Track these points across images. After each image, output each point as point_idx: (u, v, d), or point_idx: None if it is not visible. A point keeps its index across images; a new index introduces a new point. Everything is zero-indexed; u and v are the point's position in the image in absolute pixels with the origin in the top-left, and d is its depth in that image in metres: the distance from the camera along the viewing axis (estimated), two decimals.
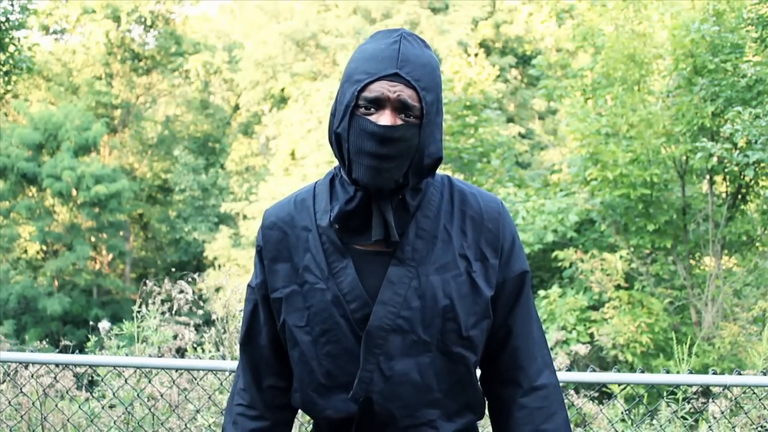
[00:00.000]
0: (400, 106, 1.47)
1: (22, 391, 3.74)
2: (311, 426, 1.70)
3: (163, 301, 4.40)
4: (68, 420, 3.81)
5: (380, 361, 1.52)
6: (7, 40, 10.64)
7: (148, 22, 24.78)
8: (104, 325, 4.19)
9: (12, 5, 10.79)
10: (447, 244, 1.56)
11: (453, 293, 1.54)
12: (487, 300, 1.57)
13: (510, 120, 21.77)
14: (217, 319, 4.32)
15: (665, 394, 3.38)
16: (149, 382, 3.69)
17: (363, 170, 1.49)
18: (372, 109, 1.48)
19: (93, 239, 21.58)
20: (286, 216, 1.63)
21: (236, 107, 27.15)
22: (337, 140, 1.53)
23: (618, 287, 9.55)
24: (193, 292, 4.53)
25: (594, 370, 2.85)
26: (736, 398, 3.51)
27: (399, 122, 1.47)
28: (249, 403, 1.68)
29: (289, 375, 1.66)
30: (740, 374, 2.94)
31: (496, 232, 1.59)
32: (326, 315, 1.54)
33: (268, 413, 1.68)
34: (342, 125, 1.50)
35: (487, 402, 1.68)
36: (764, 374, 3.05)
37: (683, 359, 4.19)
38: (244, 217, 22.33)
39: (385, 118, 1.46)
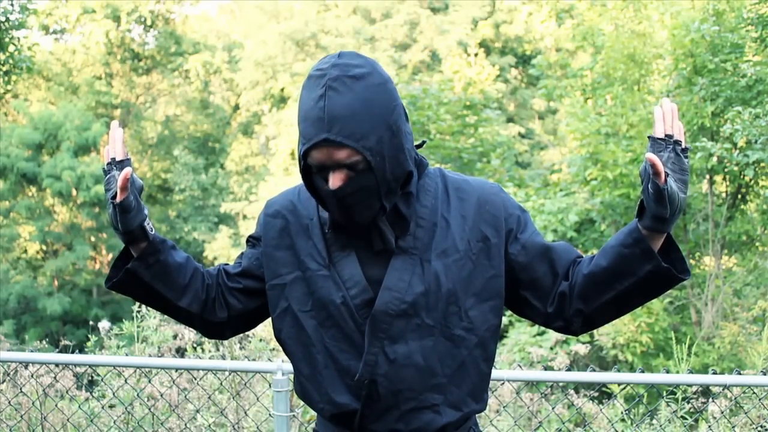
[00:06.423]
0: (341, 167, 1.48)
1: (22, 391, 3.74)
2: (311, 426, 1.70)
3: None
4: (68, 420, 3.81)
5: (384, 345, 1.57)
6: (7, 39, 10.65)
7: (148, 22, 24.78)
8: (104, 324, 4.18)
9: (12, 5, 10.79)
10: (446, 230, 1.61)
11: (455, 277, 1.59)
12: (487, 280, 1.61)
13: (510, 120, 21.75)
14: None
15: (665, 393, 3.38)
16: (149, 381, 3.68)
17: (336, 216, 1.56)
18: (321, 170, 1.52)
19: (93, 239, 21.57)
20: (289, 204, 1.70)
21: (236, 107, 27.14)
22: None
23: None
24: None
25: (594, 370, 2.85)
26: (736, 398, 3.51)
27: (347, 178, 1.49)
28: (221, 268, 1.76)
29: (227, 304, 1.73)
30: (740, 374, 2.93)
31: (495, 212, 1.64)
32: (328, 300, 1.59)
33: (213, 281, 1.73)
34: (302, 175, 1.57)
35: (576, 291, 1.63)
36: (764, 374, 3.05)
37: (683, 359, 4.18)
38: (244, 217, 22.33)
39: (333, 181, 1.49)
